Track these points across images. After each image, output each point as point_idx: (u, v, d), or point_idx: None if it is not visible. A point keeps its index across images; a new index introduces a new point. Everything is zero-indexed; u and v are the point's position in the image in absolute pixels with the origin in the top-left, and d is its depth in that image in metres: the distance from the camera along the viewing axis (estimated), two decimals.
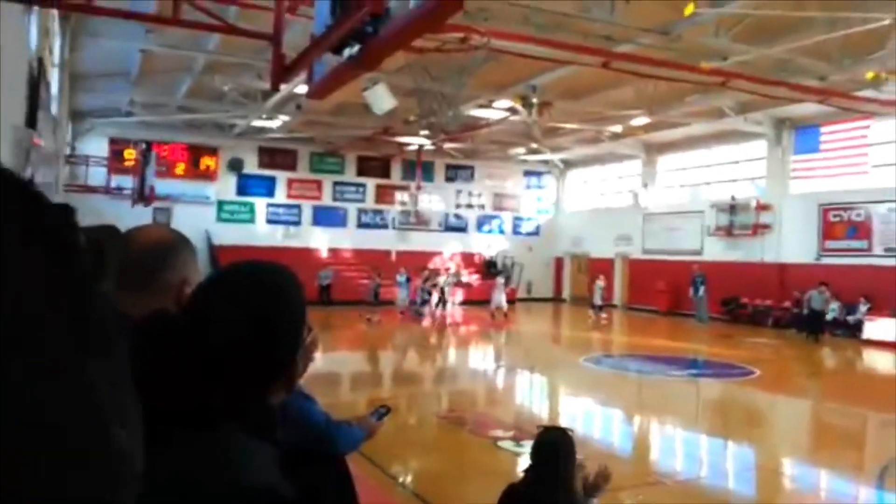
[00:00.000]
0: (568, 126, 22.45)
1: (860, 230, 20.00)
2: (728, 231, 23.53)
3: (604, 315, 22.76)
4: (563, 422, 8.74)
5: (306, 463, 2.78)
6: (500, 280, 23.13)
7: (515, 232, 32.26)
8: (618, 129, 23.21)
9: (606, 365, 14.67)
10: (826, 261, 20.76)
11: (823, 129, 20.41)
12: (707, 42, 13.15)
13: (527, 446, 7.23)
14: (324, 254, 28.62)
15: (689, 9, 11.07)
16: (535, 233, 32.67)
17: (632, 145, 26.40)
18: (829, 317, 19.34)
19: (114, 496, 0.39)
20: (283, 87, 13.99)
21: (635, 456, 8.27)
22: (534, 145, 26.61)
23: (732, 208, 23.42)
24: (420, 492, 6.19)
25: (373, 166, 29.48)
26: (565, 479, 2.91)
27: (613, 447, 8.66)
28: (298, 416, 2.77)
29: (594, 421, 9.91)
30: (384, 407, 3.20)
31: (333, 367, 13.30)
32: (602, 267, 29.21)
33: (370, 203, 29.69)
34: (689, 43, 13.14)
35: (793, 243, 21.77)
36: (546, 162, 31.23)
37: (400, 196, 29.09)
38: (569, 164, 31.96)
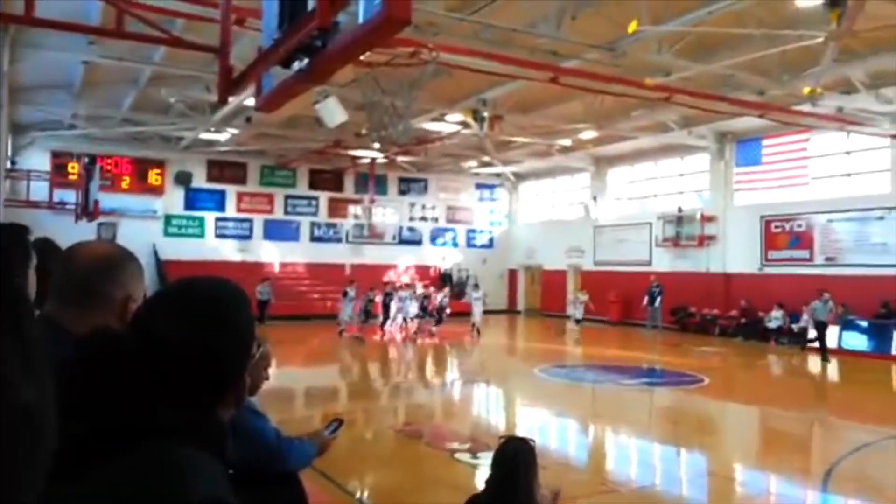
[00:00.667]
0: (519, 139, 22.71)
1: (802, 240, 20.71)
2: (675, 242, 24.09)
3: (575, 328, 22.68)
4: (519, 432, 8.78)
5: (258, 481, 2.74)
6: (478, 293, 22.64)
7: (469, 244, 32.42)
8: (567, 142, 23.59)
9: (561, 375, 14.80)
10: (769, 270, 21.44)
11: (764, 143, 21.13)
12: (651, 58, 13.49)
13: (483, 458, 7.27)
14: (276, 268, 28.25)
15: (633, 26, 11.34)
16: (489, 245, 32.89)
17: (581, 158, 26.86)
18: (773, 325, 19.95)
19: (20, 440, 0.52)
20: (232, 100, 13.82)
21: (590, 465, 8.35)
22: (486, 158, 26.85)
23: (679, 220, 24.00)
24: None
25: (325, 179, 29.28)
26: (526, 488, 2.91)
27: (569, 457, 8.73)
28: (249, 433, 2.72)
29: (549, 431, 9.98)
30: (336, 420, 3.17)
31: (288, 382, 13.10)
32: (555, 279, 29.60)
33: (323, 216, 29.46)
34: (633, 59, 13.46)
35: (737, 254, 22.43)
36: (498, 175, 31.52)
37: (353, 209, 28.91)
38: (521, 177, 32.32)
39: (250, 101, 13.05)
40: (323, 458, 3.35)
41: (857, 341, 17.90)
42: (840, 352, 17.67)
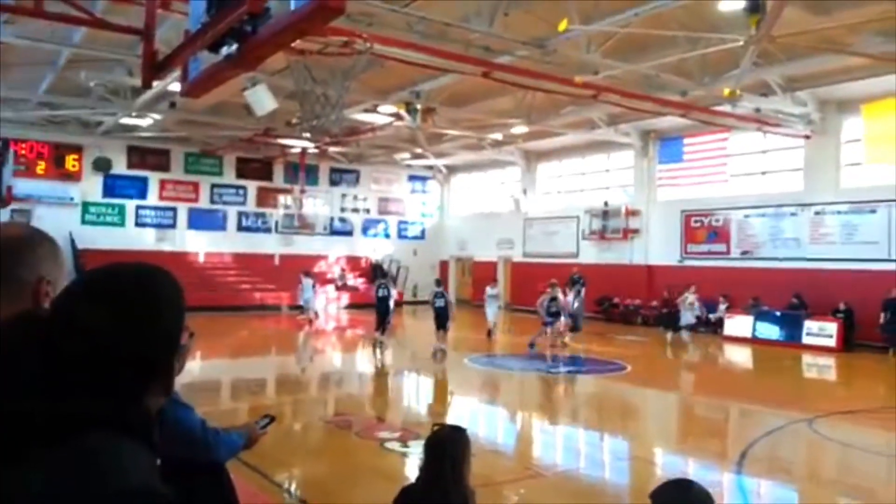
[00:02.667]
0: (451, 133, 22.83)
1: (719, 235, 21.65)
2: (601, 235, 24.78)
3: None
4: (449, 421, 8.89)
5: (183, 472, 2.69)
6: (494, 290, 19.81)
7: (401, 236, 32.41)
8: (499, 136, 23.88)
9: (490, 364, 15.04)
10: (688, 263, 22.32)
11: (686, 141, 21.94)
12: (580, 57, 13.81)
13: (413, 446, 7.33)
14: (201, 258, 27.53)
15: (563, 25, 11.58)
16: (421, 237, 32.96)
17: (512, 153, 27.26)
18: (692, 315, 20.80)
19: None
20: (156, 85, 13.37)
21: (517, 451, 8.55)
22: (418, 151, 26.87)
23: (605, 214, 24.71)
24: (307, 497, 6.11)
25: (254, 168, 28.65)
26: (459, 476, 2.90)
27: (496, 443, 8.91)
28: (174, 423, 2.68)
29: (478, 418, 10.14)
30: (268, 416, 3.14)
31: (215, 374, 12.84)
32: (486, 270, 29.91)
33: (251, 206, 28.84)
34: (563, 57, 13.74)
35: (659, 247, 23.26)
36: (431, 167, 31.60)
37: (283, 199, 28.43)
38: (453, 170, 32.51)
39: (175, 87, 12.65)
40: (251, 451, 3.33)
41: (769, 331, 18.86)
42: (754, 341, 18.58)
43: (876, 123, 16.64)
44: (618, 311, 23.64)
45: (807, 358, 16.80)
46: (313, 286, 23.63)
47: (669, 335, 19.09)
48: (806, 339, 17.73)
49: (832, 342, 17.30)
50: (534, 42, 13.13)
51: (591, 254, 25.38)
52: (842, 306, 17.61)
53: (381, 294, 16.29)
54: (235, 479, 3.06)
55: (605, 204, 24.84)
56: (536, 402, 11.57)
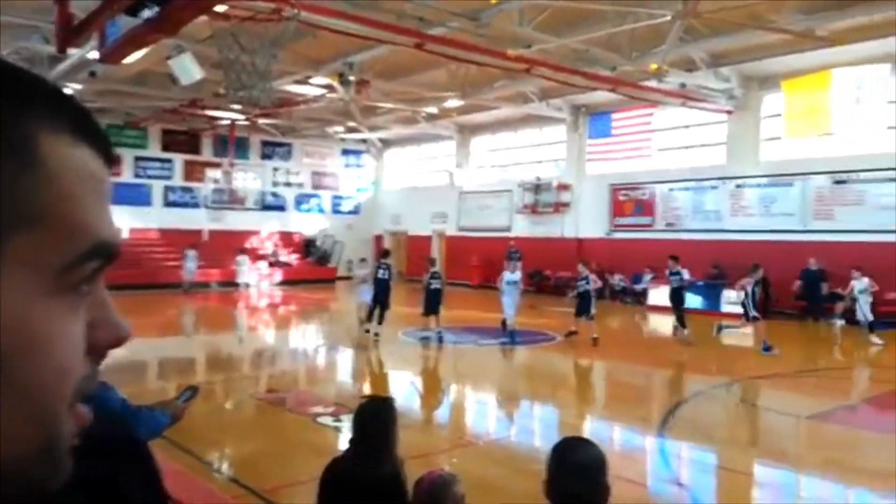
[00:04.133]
0: (385, 105, 22.61)
1: (645, 208, 22.30)
2: (533, 209, 25.15)
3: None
4: (383, 394, 8.94)
5: (104, 451, 2.64)
6: (515, 275, 14.87)
7: (335, 210, 32.04)
8: (433, 110, 23.79)
9: (424, 337, 15.12)
10: (616, 235, 22.94)
11: (614, 116, 22.36)
12: (513, 30, 13.86)
13: (346, 420, 7.35)
14: (126, 234, 26.52)
15: None
16: (355, 211, 32.68)
17: (446, 127, 27.24)
18: (618, 287, 21.48)
19: None
20: (73, 52, 12.73)
21: (451, 421, 8.70)
22: (352, 124, 26.51)
23: (537, 188, 25.05)
24: (238, 475, 6.06)
25: (180, 141, 27.68)
26: (387, 446, 2.92)
27: (430, 414, 9.04)
28: (90, 401, 2.61)
29: (412, 391, 10.23)
30: (190, 388, 3.06)
31: (142, 355, 12.48)
32: (420, 244, 29.96)
33: (178, 180, 27.91)
34: (496, 30, 13.77)
35: (588, 220, 23.80)
36: (364, 141, 31.26)
37: (212, 173, 27.63)
38: (387, 144, 32.25)
39: (95, 55, 12.06)
40: (179, 430, 3.27)
41: (691, 300, 19.58)
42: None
43: (796, 99, 17.35)
44: (549, 283, 24.12)
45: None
46: (248, 263, 23.85)
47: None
48: (725, 308, 18.51)
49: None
50: (467, 14, 13.09)
51: (523, 227, 25.75)
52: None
53: (381, 275, 14.10)
54: (162, 460, 3.01)
55: (538, 178, 25.18)
56: (469, 373, 11.75)
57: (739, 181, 19.96)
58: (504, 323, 14.32)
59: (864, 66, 15.94)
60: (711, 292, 19.21)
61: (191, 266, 23.99)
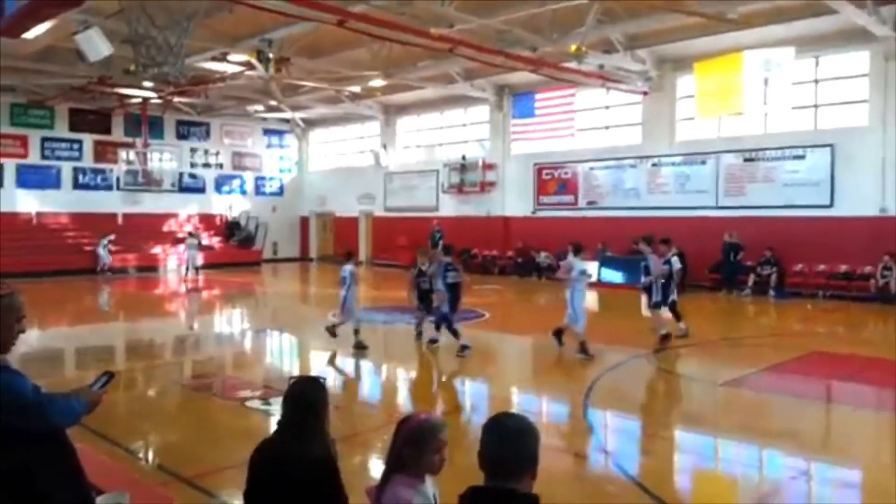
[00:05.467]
0: (307, 84, 22.17)
1: (568, 186, 22.81)
2: (460, 189, 25.32)
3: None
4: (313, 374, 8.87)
5: (18, 440, 2.52)
6: (584, 264, 11.10)
7: (258, 192, 31.34)
8: (357, 89, 23.51)
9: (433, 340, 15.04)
10: (541, 214, 23.40)
11: (537, 96, 22.68)
12: (435, 9, 13.81)
13: (275, 404, 7.26)
14: (33, 219, 25.22)
15: None
16: (279, 192, 32.05)
17: (371, 106, 26.99)
18: (543, 263, 21.93)
19: None
20: None
21: (382, 401, 8.73)
22: (273, 103, 25.90)
23: (463, 167, 25.22)
24: (165, 463, 5.91)
25: (90, 120, 26.36)
26: (316, 426, 2.91)
27: (361, 394, 9.06)
28: (2, 389, 2.50)
29: (343, 372, 10.21)
30: (106, 374, 2.96)
31: (55, 343, 11.95)
32: (347, 225, 29.74)
33: (89, 161, 26.65)
34: (419, 9, 13.71)
35: (514, 199, 24.17)
36: (287, 120, 30.61)
37: (124, 154, 26.49)
38: (310, 124, 31.69)
39: None
40: (101, 418, 3.16)
41: (613, 275, 20.27)
42: (600, 284, 19.91)
43: (707, 80, 18.02)
44: (477, 261, 24.40)
45: (646, 299, 18.19)
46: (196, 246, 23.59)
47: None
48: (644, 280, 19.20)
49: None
50: None
51: (450, 207, 25.90)
52: (675, 250, 19.17)
53: (451, 281, 10.89)
54: (81, 449, 2.92)
55: (463, 158, 25.32)
56: (400, 352, 11.80)
57: (655, 160, 20.67)
58: (559, 333, 10.61)
59: (771, 49, 16.70)
60: (632, 267, 19.84)
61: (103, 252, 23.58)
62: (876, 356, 10.79)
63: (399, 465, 2.53)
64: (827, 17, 14.94)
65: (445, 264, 11.09)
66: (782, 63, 16.69)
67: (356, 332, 10.96)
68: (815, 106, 17.98)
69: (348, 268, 11.32)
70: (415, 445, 2.51)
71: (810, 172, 17.79)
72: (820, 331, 14.03)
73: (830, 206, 17.45)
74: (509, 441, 2.17)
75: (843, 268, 17.21)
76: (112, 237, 24.17)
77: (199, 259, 24.52)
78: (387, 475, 2.57)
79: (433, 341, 11.09)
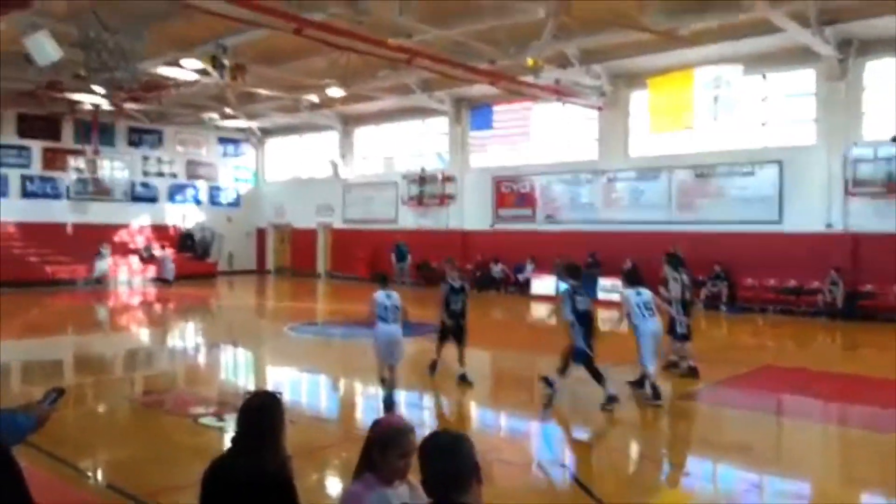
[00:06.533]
0: (264, 92, 21.94)
1: (526, 200, 22.99)
2: (419, 201, 25.30)
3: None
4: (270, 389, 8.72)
5: None
6: (642, 294, 9.20)
7: (213, 202, 30.76)
8: (315, 99, 23.35)
9: (311, 332, 14.91)
10: (499, 227, 23.53)
11: (495, 109, 22.84)
12: (393, 19, 13.82)
13: (230, 420, 7.11)
14: None
15: None
16: (235, 203, 31.53)
17: (329, 116, 26.83)
18: (498, 276, 22.12)
19: None
20: None
21: (340, 415, 8.63)
22: (229, 111, 25.53)
23: (422, 180, 25.21)
24: (115, 482, 5.73)
25: (38, 127, 25.56)
26: (272, 442, 2.84)
27: (319, 409, 8.93)
28: None
29: (300, 387, 10.07)
30: (56, 390, 2.87)
31: (7, 358, 11.50)
32: (305, 237, 29.45)
33: (37, 169, 25.81)
34: (377, 18, 13.68)
35: (473, 212, 24.26)
36: (243, 129, 30.19)
37: (74, 162, 25.76)
38: (267, 133, 31.34)
39: None
40: (49, 436, 3.05)
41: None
42: (556, 298, 20.06)
43: (660, 96, 18.42)
44: (435, 275, 24.35)
45: (602, 313, 18.40)
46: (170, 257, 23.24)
47: None
48: (601, 295, 19.42)
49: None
50: (346, 0, 12.93)
51: (409, 219, 25.85)
52: (628, 263, 19.48)
53: (582, 308, 8.54)
54: (27, 469, 2.80)
55: (422, 170, 25.33)
56: (357, 367, 11.67)
57: (611, 174, 21.01)
58: (642, 379, 8.99)
59: (721, 66, 17.17)
60: (588, 281, 20.05)
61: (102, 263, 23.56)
62: (824, 370, 11.12)
63: (367, 467, 2.62)
64: (773, 36, 15.41)
65: (572, 288, 8.92)
66: (731, 80, 17.16)
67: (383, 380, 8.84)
68: (764, 124, 18.54)
69: (391, 295, 8.78)
70: (383, 448, 2.58)
71: (759, 189, 18.28)
72: (770, 345, 14.39)
73: (779, 221, 17.95)
74: (448, 457, 2.22)
75: (792, 282, 17.66)
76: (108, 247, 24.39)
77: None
78: (354, 476, 2.64)
79: (611, 399, 8.22)
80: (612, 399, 8.20)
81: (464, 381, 9.47)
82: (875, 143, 16.54)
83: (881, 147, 16.32)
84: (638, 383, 9.03)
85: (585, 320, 8.47)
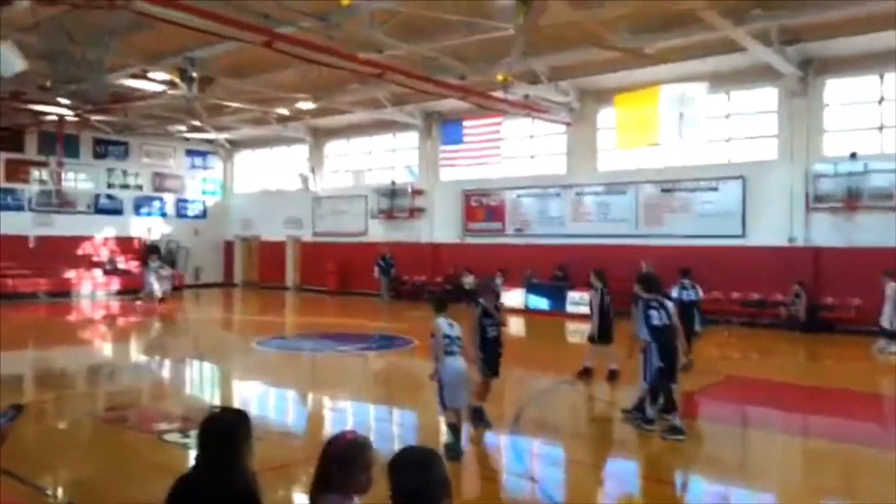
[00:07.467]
0: (233, 105, 21.79)
1: (496, 213, 23.13)
2: (389, 214, 25.29)
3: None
4: (236, 406, 8.61)
5: None
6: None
7: (180, 215, 30.35)
8: (285, 112, 23.26)
9: (280, 346, 14.77)
10: (469, 240, 23.61)
11: (465, 124, 22.96)
12: (364, 33, 13.86)
13: (195, 436, 6.98)
14: None
15: (347, 0, 11.56)
16: (202, 216, 31.15)
17: (299, 129, 26.74)
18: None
19: None
20: None
21: (308, 431, 8.54)
22: (196, 123, 25.28)
23: (393, 193, 25.24)
24: (76, 500, 5.60)
25: (2, 138, 24.99)
26: (237, 460, 2.79)
27: (287, 425, 8.83)
28: None
29: (268, 402, 9.95)
30: (14, 407, 2.82)
31: None
32: (274, 250, 29.20)
33: None
34: (348, 33, 13.71)
35: (443, 225, 24.32)
36: (211, 142, 29.93)
37: (37, 173, 25.23)
38: (236, 145, 31.09)
39: None
40: (6, 453, 2.98)
41: (539, 302, 20.61)
42: (527, 311, 20.20)
43: (626, 112, 18.71)
44: (406, 288, 24.35)
45: (570, 325, 18.56)
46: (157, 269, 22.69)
47: None
48: (570, 308, 19.59)
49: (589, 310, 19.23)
50: (317, 14, 12.93)
51: (379, 232, 25.80)
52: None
53: (658, 323, 7.78)
54: None
55: (393, 183, 25.35)
56: (327, 381, 11.60)
57: (579, 189, 21.25)
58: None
59: (686, 84, 17.53)
60: (557, 294, 20.24)
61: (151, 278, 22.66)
62: (787, 381, 11.33)
63: (328, 485, 2.55)
64: (737, 55, 15.82)
65: (647, 301, 7.91)
66: (696, 98, 17.51)
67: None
68: (728, 140, 18.94)
69: (453, 324, 7.62)
70: (343, 464, 2.54)
71: (723, 203, 18.64)
72: (735, 356, 14.63)
73: (743, 236, 18.30)
74: (420, 471, 2.22)
75: (756, 296, 17.99)
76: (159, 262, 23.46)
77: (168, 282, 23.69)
78: (314, 497, 2.57)
79: (675, 430, 7.46)
80: (675, 430, 7.44)
81: (480, 419, 7.85)
82: (835, 158, 17.00)
83: (841, 163, 16.78)
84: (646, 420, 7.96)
85: (662, 337, 7.62)
